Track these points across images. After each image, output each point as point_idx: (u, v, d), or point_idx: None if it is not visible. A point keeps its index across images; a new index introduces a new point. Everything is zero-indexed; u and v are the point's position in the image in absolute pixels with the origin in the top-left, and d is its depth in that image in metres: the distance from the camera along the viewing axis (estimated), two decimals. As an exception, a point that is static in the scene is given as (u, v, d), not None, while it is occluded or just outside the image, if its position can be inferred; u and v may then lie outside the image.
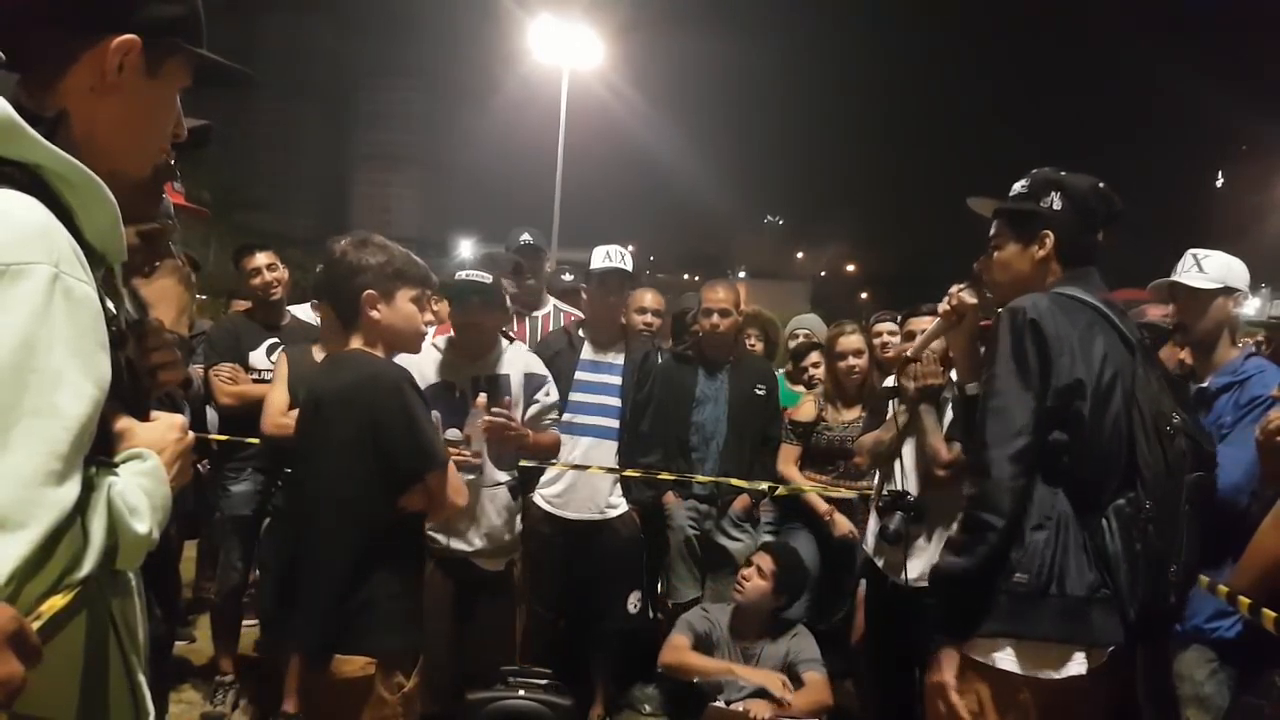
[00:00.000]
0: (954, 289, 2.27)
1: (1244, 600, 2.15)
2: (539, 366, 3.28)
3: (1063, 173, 2.09)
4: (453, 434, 2.91)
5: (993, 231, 2.14)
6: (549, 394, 3.26)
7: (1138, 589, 1.83)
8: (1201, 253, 2.76)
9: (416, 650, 2.25)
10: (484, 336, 3.12)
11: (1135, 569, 1.82)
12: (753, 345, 4.58)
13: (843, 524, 3.80)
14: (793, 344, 4.62)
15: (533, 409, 3.20)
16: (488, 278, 3.01)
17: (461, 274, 3.01)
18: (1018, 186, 2.13)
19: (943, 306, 2.32)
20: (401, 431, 2.18)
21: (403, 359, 2.83)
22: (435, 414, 2.90)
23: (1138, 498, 1.84)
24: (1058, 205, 2.04)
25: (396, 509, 2.21)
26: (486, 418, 2.88)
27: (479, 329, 3.10)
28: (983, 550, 1.81)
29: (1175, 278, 2.76)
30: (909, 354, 2.78)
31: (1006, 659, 1.81)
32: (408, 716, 2.21)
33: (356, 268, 2.26)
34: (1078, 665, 1.82)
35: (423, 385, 2.91)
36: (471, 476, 2.92)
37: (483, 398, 2.92)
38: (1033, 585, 1.79)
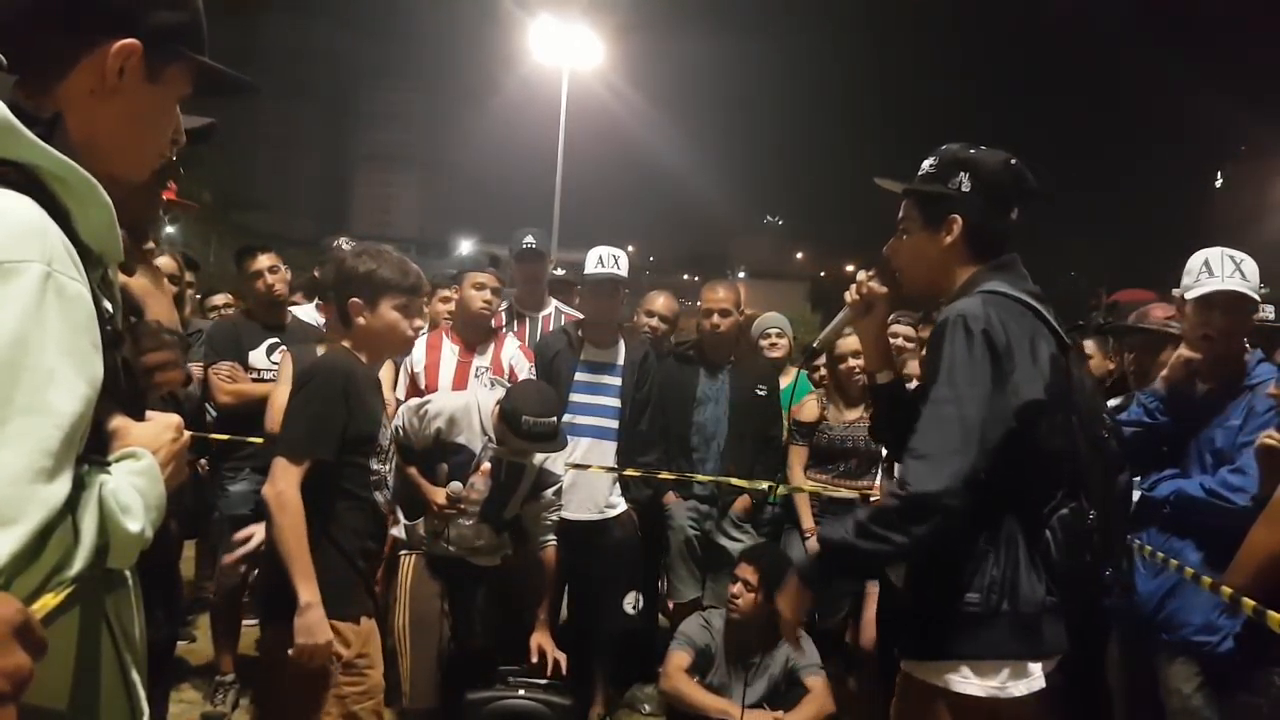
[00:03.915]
0: (861, 276, 2.09)
1: (1248, 602, 2.14)
2: (556, 466, 3.34)
3: (972, 150, 1.95)
4: (455, 487, 3.10)
5: (901, 214, 2.01)
6: (556, 494, 3.32)
7: (1081, 598, 1.80)
8: (1238, 256, 2.60)
9: (350, 618, 2.32)
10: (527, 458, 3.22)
11: (1079, 579, 1.78)
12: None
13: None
14: (764, 343, 4.60)
15: (532, 504, 3.26)
16: (553, 422, 3.06)
17: (529, 422, 3.00)
18: (926, 165, 1.98)
19: (849, 295, 2.12)
20: (293, 413, 2.37)
21: (471, 410, 3.15)
22: (444, 467, 3.13)
23: (1080, 507, 1.78)
24: (966, 186, 1.90)
25: (307, 484, 2.31)
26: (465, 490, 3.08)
27: (529, 454, 3.18)
28: (878, 552, 1.73)
29: (1225, 285, 2.57)
30: (815, 345, 2.73)
31: (963, 681, 1.74)
32: (355, 684, 2.29)
33: (348, 276, 2.45)
34: (1037, 680, 1.76)
35: (456, 437, 3.13)
36: (469, 523, 3.14)
37: (487, 466, 3.09)
38: (984, 605, 1.72)
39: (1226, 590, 2.23)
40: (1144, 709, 2.71)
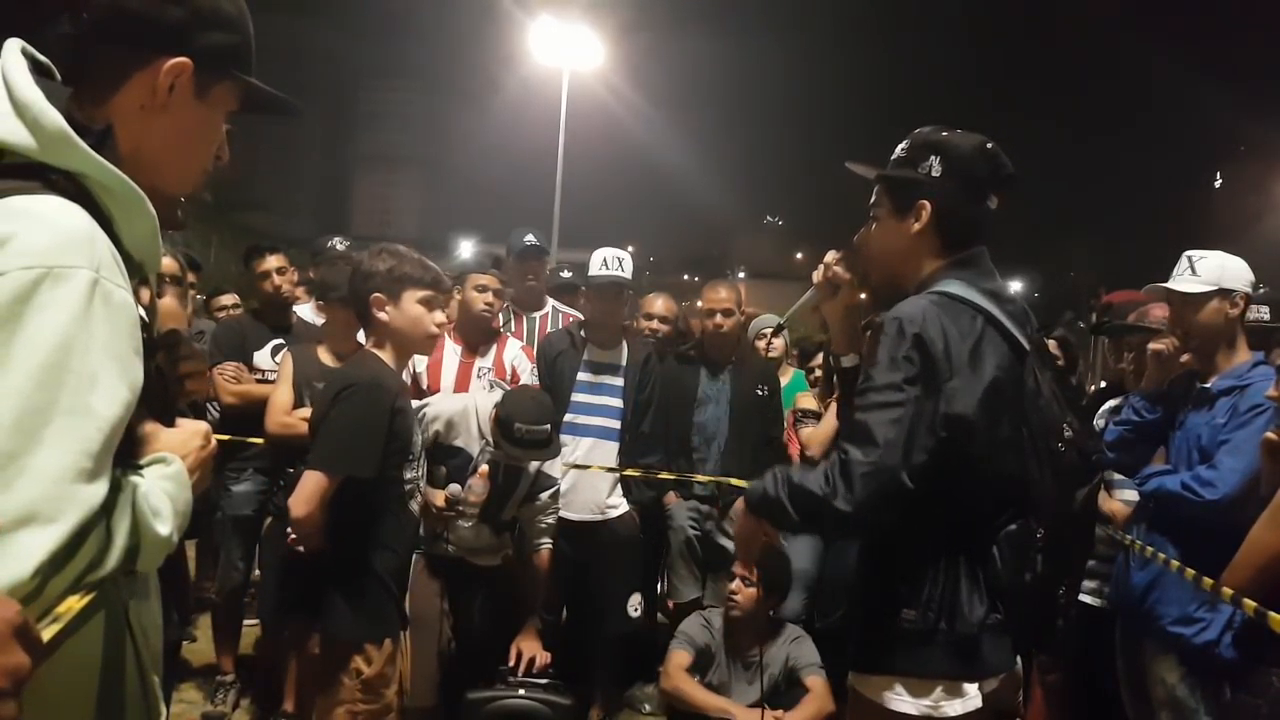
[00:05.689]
0: (829, 258, 2.02)
1: (1249, 603, 2.14)
2: (553, 469, 3.35)
3: (944, 132, 1.84)
4: (453, 490, 3.09)
5: (872, 199, 1.92)
6: (553, 497, 3.33)
7: (1028, 617, 1.76)
8: (1197, 254, 2.72)
9: (376, 640, 2.32)
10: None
11: (1025, 598, 1.73)
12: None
13: None
14: (760, 344, 4.62)
15: (529, 507, 3.28)
16: (546, 430, 3.05)
17: (521, 429, 2.99)
18: (898, 149, 1.88)
19: (817, 275, 2.06)
20: (334, 426, 2.29)
21: (469, 413, 3.11)
22: (442, 469, 3.12)
23: (1027, 525, 1.72)
24: (937, 171, 1.80)
25: (345, 502, 2.30)
26: (461, 494, 3.08)
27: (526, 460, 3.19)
28: (809, 515, 1.68)
29: (1169, 283, 2.73)
30: (780, 321, 2.64)
31: (899, 699, 1.70)
32: (370, 701, 2.29)
33: (367, 273, 2.41)
34: (973, 700, 1.71)
35: (454, 440, 3.13)
36: (468, 525, 3.15)
37: (484, 469, 3.08)
38: (921, 623, 1.68)
39: (1227, 592, 2.24)
40: (1145, 702, 2.74)
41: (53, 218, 0.89)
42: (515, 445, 3.03)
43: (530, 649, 3.20)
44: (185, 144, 1.12)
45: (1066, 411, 1.79)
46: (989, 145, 1.82)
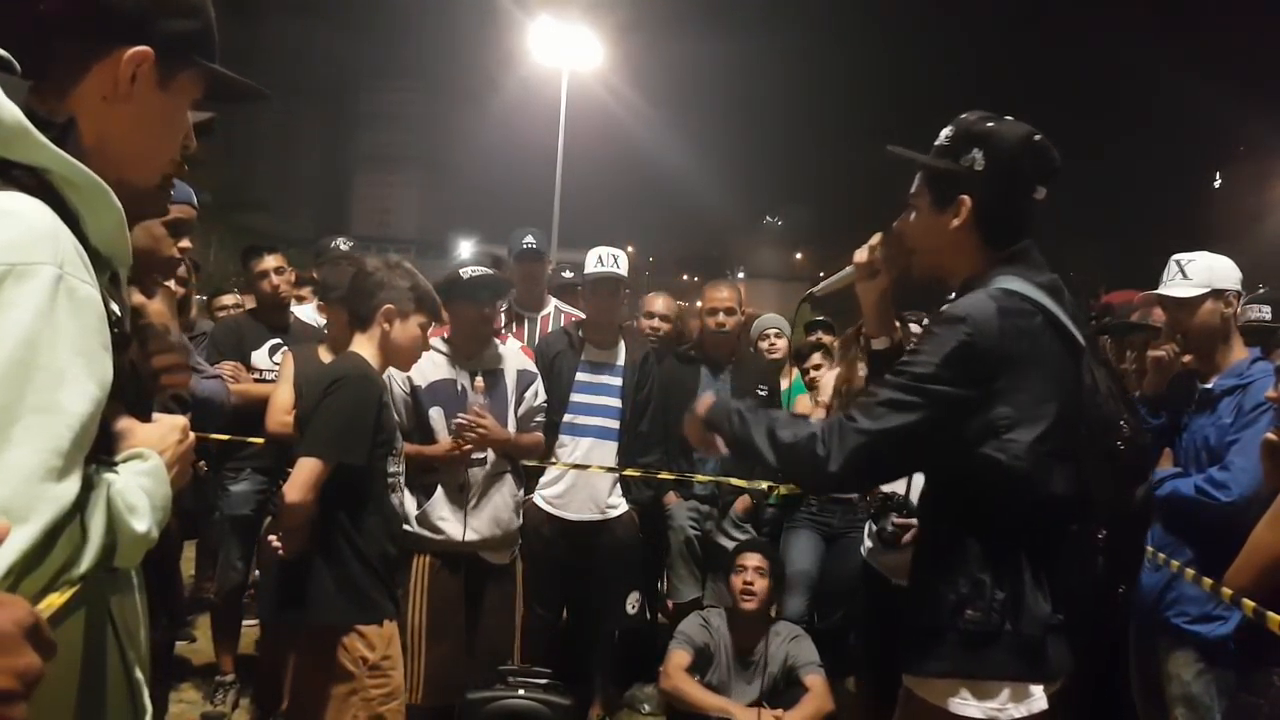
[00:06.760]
0: (874, 241, 1.93)
1: (1248, 603, 2.14)
2: (529, 364, 3.43)
3: (990, 123, 1.75)
4: (460, 419, 3.07)
5: (913, 188, 1.84)
6: (537, 394, 3.40)
7: (1090, 618, 1.73)
8: (1185, 258, 2.72)
9: (372, 622, 2.38)
10: (487, 331, 3.28)
11: (1088, 599, 1.70)
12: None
13: None
14: (763, 344, 4.61)
15: (522, 407, 3.34)
16: (491, 271, 3.19)
17: (467, 271, 3.16)
18: (942, 136, 1.79)
19: (860, 255, 1.96)
20: (326, 415, 2.38)
21: (431, 350, 3.06)
22: (437, 409, 3.10)
23: (1089, 525, 1.69)
24: (980, 165, 1.71)
25: (329, 489, 2.35)
26: (465, 417, 3.05)
27: (488, 322, 3.26)
28: (752, 451, 1.71)
29: (1161, 289, 2.74)
30: (814, 291, 2.61)
31: (962, 703, 1.66)
32: (380, 686, 2.35)
33: (385, 283, 2.52)
34: (1039, 701, 1.68)
35: (424, 382, 3.15)
36: (479, 458, 3.11)
37: (480, 382, 3.10)
38: (985, 623, 1.64)
39: (1226, 592, 2.23)
40: (1157, 700, 2.74)
41: (14, 214, 0.88)
42: (471, 296, 3.11)
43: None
44: (150, 134, 1.10)
45: (1122, 408, 1.75)
46: (1036, 137, 1.75)
